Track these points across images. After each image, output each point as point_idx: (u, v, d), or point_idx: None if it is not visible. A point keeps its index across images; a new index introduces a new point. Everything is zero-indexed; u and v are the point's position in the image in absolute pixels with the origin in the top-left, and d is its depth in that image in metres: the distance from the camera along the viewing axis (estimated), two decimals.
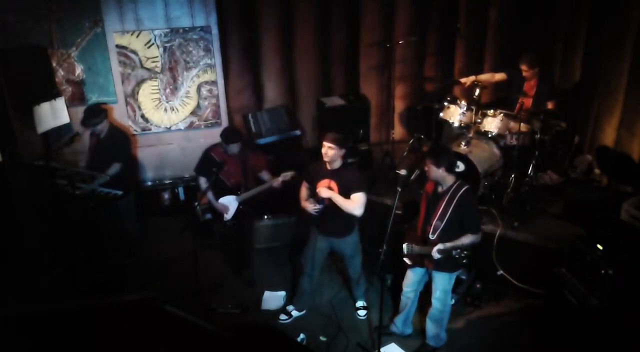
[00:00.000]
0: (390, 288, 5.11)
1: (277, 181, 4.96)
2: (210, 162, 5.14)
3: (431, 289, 4.31)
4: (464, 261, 3.87)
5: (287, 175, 4.93)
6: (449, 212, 3.98)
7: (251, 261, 5.53)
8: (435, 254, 3.96)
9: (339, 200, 4.36)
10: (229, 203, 5.15)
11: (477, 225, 4.17)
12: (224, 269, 5.59)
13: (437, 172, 3.99)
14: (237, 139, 5.03)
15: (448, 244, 3.94)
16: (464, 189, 4.02)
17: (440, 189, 4.09)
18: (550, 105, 5.56)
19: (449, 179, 4.04)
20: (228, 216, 5.17)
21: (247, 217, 5.34)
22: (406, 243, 4.18)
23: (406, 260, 4.22)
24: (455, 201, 3.98)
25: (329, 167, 4.44)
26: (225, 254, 5.70)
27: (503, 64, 6.33)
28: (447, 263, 4.04)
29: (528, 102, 5.62)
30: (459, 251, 3.87)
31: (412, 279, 4.38)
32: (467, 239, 3.97)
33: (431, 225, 4.06)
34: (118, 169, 5.27)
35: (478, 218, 4.37)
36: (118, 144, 5.45)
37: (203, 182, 5.22)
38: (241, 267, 5.50)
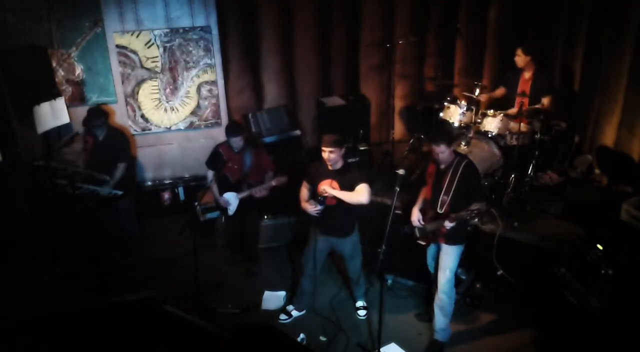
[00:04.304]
0: (390, 288, 5.12)
1: (270, 185, 5.15)
2: (217, 157, 5.29)
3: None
4: (475, 220, 4.07)
5: (281, 179, 5.08)
6: (454, 185, 4.14)
7: (257, 257, 5.67)
8: (448, 224, 4.10)
9: (344, 195, 4.39)
10: (231, 199, 5.24)
11: (482, 193, 4.38)
12: (224, 269, 5.60)
13: (447, 151, 4.13)
14: (237, 132, 5.13)
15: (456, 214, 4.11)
16: (465, 162, 4.20)
17: (442, 167, 4.24)
18: (546, 101, 5.54)
19: (451, 156, 4.21)
20: (230, 211, 5.27)
21: (250, 214, 5.43)
22: (417, 226, 4.34)
23: (421, 241, 4.40)
24: (459, 174, 4.14)
25: (330, 167, 4.44)
26: (231, 248, 5.75)
27: (502, 64, 6.33)
28: (455, 235, 4.21)
29: (527, 102, 5.61)
30: (469, 212, 4.04)
31: (430, 261, 4.63)
32: (474, 207, 4.11)
33: (438, 201, 4.21)
34: (124, 169, 5.31)
35: (482, 187, 4.57)
36: (120, 144, 5.46)
37: (210, 175, 5.33)
38: (248, 260, 5.63)
